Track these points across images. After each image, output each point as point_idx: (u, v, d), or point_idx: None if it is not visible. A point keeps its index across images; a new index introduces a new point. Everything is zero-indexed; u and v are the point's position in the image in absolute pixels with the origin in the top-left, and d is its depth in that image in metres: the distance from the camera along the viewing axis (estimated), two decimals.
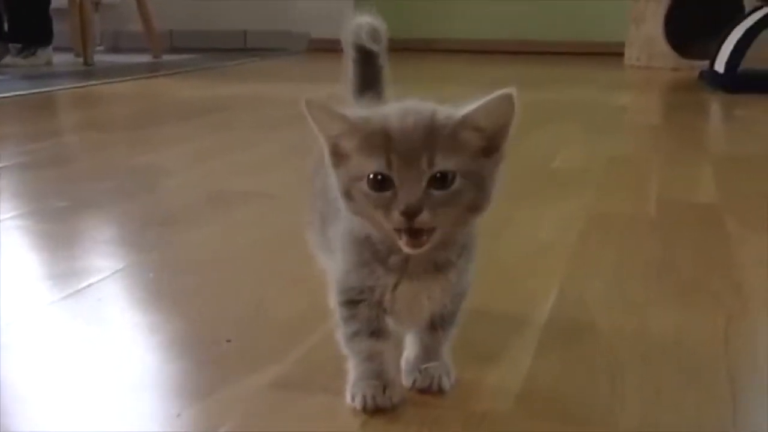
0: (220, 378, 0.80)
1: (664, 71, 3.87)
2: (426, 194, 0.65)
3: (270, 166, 1.84)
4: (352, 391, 0.75)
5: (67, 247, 1.25)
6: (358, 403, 0.74)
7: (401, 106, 0.69)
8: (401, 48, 5.00)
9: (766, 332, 0.93)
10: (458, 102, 0.68)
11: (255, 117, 2.65)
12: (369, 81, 0.87)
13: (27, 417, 0.75)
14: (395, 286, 0.72)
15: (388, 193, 0.66)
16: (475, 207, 0.68)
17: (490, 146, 0.68)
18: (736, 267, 1.14)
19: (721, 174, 1.73)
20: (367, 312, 0.74)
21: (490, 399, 0.77)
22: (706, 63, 3.34)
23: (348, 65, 0.87)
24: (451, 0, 5.04)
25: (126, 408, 0.75)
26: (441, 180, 0.66)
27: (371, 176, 0.66)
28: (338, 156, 0.69)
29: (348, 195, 0.69)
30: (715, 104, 3.01)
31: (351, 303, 0.74)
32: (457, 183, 0.66)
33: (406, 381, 0.78)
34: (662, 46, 3.95)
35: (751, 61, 3.02)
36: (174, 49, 4.96)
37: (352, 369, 0.76)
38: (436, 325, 0.77)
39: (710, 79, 3.24)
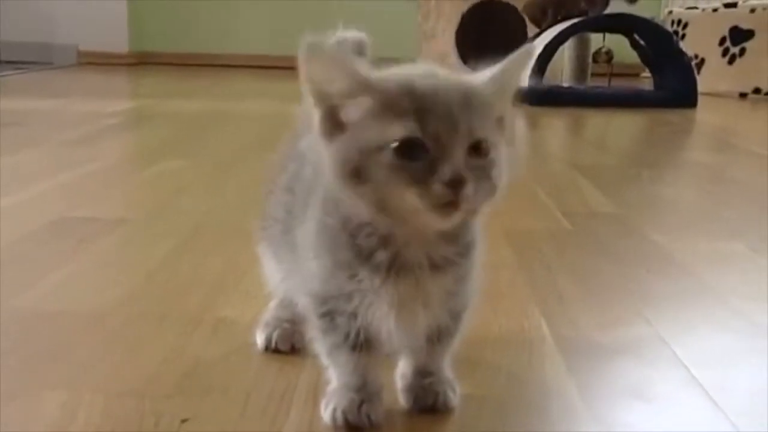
0: None
1: None
2: (467, 164, 0.57)
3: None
4: (326, 401, 0.67)
5: None
6: (327, 417, 0.65)
7: (420, 68, 0.60)
8: (177, 63, 4.70)
9: None
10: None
11: None
12: None
13: None
14: (381, 289, 0.62)
15: (420, 164, 0.56)
16: (492, 190, 0.59)
17: (500, 116, 0.61)
18: None
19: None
20: (346, 324, 0.64)
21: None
22: None
23: None
24: (229, 16, 4.82)
25: None
26: (477, 150, 0.57)
27: (399, 143, 0.56)
28: (335, 124, 0.58)
29: (356, 173, 0.57)
30: (531, 117, 2.88)
31: (329, 314, 0.65)
32: (492, 153, 0.58)
33: (405, 399, 0.70)
34: (454, 61, 3.97)
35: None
36: None
37: (333, 379, 0.68)
38: (434, 340, 0.68)
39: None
